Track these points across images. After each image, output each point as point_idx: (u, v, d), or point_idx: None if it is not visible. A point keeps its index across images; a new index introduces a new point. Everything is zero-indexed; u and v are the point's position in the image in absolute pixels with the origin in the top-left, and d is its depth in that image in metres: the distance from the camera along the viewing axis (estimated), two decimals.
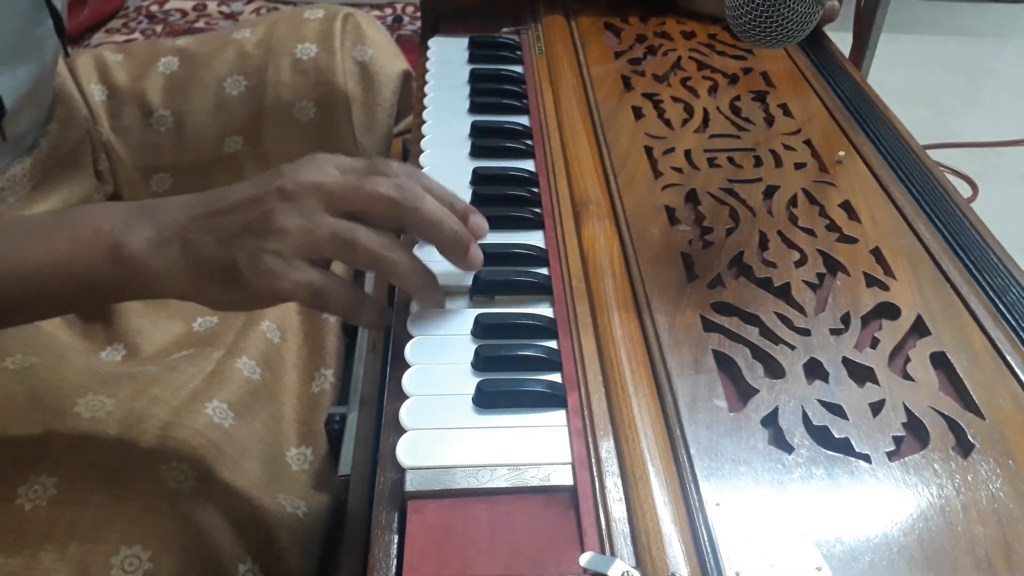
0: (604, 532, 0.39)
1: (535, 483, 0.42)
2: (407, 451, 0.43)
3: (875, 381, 0.46)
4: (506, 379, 0.47)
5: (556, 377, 0.48)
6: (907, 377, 0.47)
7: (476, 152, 0.67)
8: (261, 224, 0.46)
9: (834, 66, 0.78)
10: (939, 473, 0.42)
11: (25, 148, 0.73)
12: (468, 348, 0.49)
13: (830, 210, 0.59)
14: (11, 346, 0.62)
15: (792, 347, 0.48)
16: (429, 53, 0.82)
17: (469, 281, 0.53)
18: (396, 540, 0.40)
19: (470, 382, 0.47)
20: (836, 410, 0.44)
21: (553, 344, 0.50)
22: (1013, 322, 0.50)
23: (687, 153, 0.65)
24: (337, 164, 0.49)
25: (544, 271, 0.55)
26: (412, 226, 0.50)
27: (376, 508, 0.42)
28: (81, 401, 0.58)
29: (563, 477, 0.42)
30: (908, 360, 0.48)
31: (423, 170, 0.64)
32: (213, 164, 0.91)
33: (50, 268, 0.48)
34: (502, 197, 0.62)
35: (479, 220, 0.54)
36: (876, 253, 0.55)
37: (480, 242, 0.53)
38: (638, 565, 0.37)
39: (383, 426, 0.46)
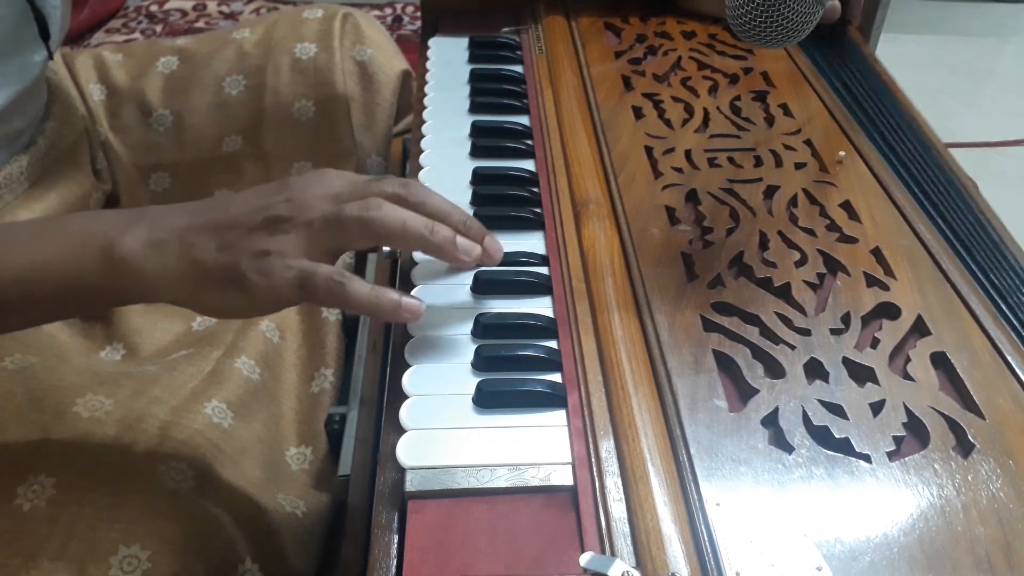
0: (604, 532, 0.39)
1: (535, 483, 0.42)
2: (407, 451, 0.43)
3: (875, 381, 0.46)
4: (506, 379, 0.47)
5: (556, 377, 0.48)
6: (907, 377, 0.47)
7: (476, 152, 0.67)
8: (266, 228, 0.47)
9: (859, 60, 0.78)
10: (939, 473, 0.42)
11: (22, 146, 0.73)
12: (468, 348, 0.49)
13: (830, 210, 0.59)
14: (10, 346, 0.62)
15: (792, 347, 0.48)
16: (429, 53, 0.82)
17: (469, 281, 0.53)
18: (396, 540, 0.41)
19: (470, 382, 0.47)
20: (836, 410, 0.44)
21: (553, 344, 0.50)
22: (1014, 321, 0.50)
23: (687, 153, 0.65)
24: (344, 177, 0.50)
25: (544, 271, 0.55)
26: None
27: (376, 508, 0.42)
28: (80, 401, 0.58)
29: (563, 477, 0.42)
30: (908, 360, 0.48)
31: (423, 170, 0.65)
32: (212, 164, 0.91)
33: (39, 271, 0.47)
34: (502, 197, 0.62)
35: (494, 242, 0.54)
36: (876, 253, 0.55)
37: None
38: (638, 565, 0.37)
39: (383, 426, 0.46)
